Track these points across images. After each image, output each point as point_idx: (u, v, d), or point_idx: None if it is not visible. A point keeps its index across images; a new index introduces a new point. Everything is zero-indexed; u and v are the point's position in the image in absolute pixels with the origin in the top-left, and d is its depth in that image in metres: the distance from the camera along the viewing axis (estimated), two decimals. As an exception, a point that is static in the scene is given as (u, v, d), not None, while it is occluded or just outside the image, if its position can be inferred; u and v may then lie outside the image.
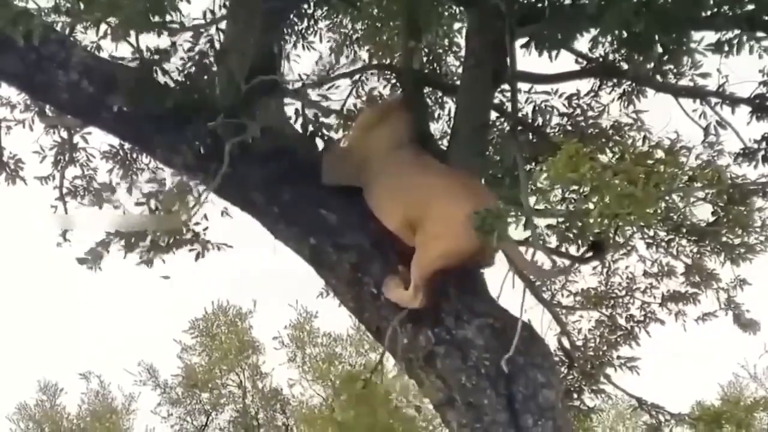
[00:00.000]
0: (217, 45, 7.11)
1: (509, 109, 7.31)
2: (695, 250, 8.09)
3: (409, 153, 6.63)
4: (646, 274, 8.68)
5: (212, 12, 7.34)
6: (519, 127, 7.09)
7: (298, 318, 26.85)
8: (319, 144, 7.26)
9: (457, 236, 6.03)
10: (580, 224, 6.75)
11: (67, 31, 7.09)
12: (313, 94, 7.16)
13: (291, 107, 7.18)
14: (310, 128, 7.15)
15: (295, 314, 26.68)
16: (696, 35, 6.48)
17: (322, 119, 7.19)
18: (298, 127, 7.19)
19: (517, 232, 5.77)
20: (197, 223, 7.36)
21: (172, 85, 6.99)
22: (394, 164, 6.58)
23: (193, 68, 7.04)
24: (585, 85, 7.73)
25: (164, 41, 7.02)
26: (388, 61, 8.33)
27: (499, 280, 6.20)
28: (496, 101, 7.20)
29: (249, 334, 28.68)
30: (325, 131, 7.24)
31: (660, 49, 6.66)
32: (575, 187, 5.11)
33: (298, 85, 7.45)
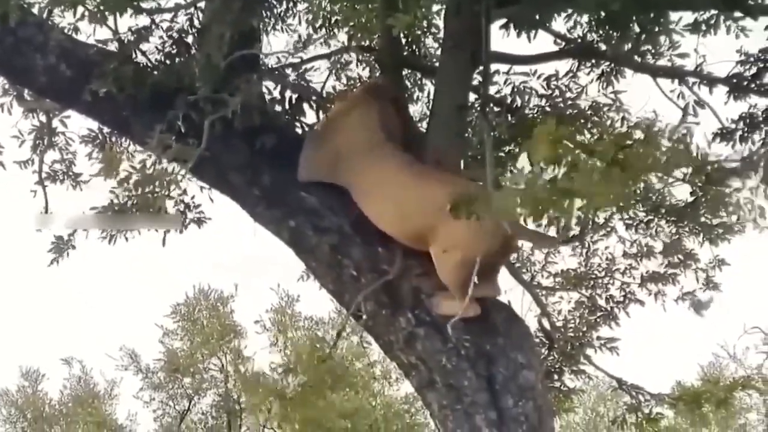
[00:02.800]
0: (197, 23, 7.07)
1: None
2: (674, 230, 8.11)
3: (395, 156, 6.60)
4: (625, 254, 8.69)
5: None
6: (489, 107, 7.08)
7: (280, 302, 26.85)
8: (298, 127, 7.26)
9: (469, 244, 6.03)
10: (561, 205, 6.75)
11: (44, 14, 7.04)
12: (293, 75, 7.12)
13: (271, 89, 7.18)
14: (290, 110, 7.12)
15: (276, 298, 26.67)
16: (674, 15, 6.51)
17: (301, 100, 7.16)
18: (278, 109, 7.17)
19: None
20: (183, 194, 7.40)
21: (150, 66, 6.97)
22: (381, 170, 6.54)
23: (173, 47, 7.02)
24: (563, 66, 7.73)
25: (143, 21, 7.00)
26: (367, 43, 8.31)
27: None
28: (474, 83, 7.18)
29: (231, 319, 28.69)
30: (304, 112, 7.22)
31: (638, 29, 6.69)
32: (554, 168, 5.09)
33: (277, 65, 7.43)
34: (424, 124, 7.47)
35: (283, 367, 24.33)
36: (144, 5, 6.92)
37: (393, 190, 6.44)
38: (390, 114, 6.89)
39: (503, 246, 6.10)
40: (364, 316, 6.61)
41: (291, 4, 8.38)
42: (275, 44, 8.18)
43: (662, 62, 7.31)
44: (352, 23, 7.88)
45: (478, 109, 6.98)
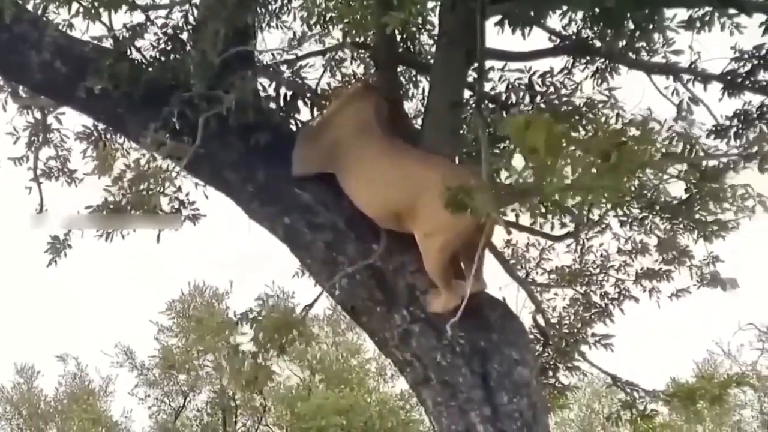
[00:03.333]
0: (191, 20, 7.07)
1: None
2: (668, 227, 8.11)
3: (381, 139, 6.60)
4: (620, 251, 8.69)
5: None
6: (484, 104, 7.09)
7: (275, 298, 26.80)
8: (293, 124, 7.26)
9: (448, 226, 6.04)
10: (553, 200, 6.76)
11: (39, 11, 7.04)
12: (287, 72, 7.12)
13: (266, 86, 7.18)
14: (284, 107, 7.12)
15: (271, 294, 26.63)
16: (668, 12, 6.52)
17: (296, 97, 7.16)
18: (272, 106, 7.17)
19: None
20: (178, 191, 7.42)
21: (145, 62, 6.96)
22: (367, 152, 6.56)
23: (168, 44, 7.01)
24: (558, 62, 7.74)
25: (138, 17, 7.00)
26: (362, 40, 8.30)
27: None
28: (469, 80, 7.18)
29: (226, 315, 28.67)
30: (299, 109, 7.22)
31: (632, 26, 6.69)
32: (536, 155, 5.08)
33: (272, 62, 7.42)
34: (419, 121, 7.47)
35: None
36: (139, 2, 6.92)
37: (376, 171, 6.47)
38: (384, 109, 6.90)
39: (478, 231, 6.07)
40: (337, 292, 6.61)
41: (286, 0, 8.38)
42: (270, 41, 8.18)
43: (657, 59, 7.32)
44: (346, 20, 7.85)
45: (473, 105, 6.99)
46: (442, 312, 6.29)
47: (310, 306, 6.91)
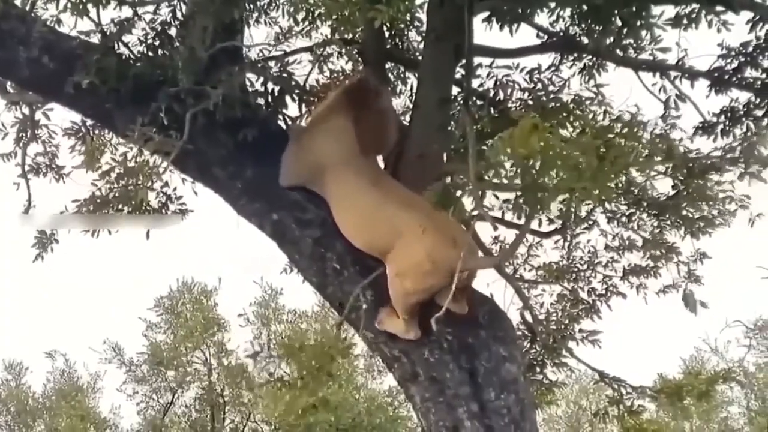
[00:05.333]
0: (179, 15, 7.06)
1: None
2: (656, 223, 8.12)
3: (364, 174, 6.64)
4: (607, 248, 8.72)
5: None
6: (472, 100, 7.10)
7: (263, 295, 26.84)
8: (281, 120, 7.25)
9: (419, 275, 6.17)
10: (537, 198, 6.78)
11: (27, 6, 7.03)
12: (275, 68, 7.12)
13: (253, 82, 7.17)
14: (272, 102, 7.12)
15: (260, 291, 26.66)
16: (655, 9, 6.52)
17: (283, 92, 7.15)
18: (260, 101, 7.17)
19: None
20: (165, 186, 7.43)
21: (133, 58, 6.95)
22: (351, 186, 6.60)
23: (156, 39, 7.00)
24: (546, 59, 7.74)
25: (125, 13, 6.99)
26: (350, 36, 8.31)
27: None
28: (457, 76, 7.19)
29: (214, 312, 28.66)
30: (286, 105, 7.21)
31: (620, 23, 6.70)
32: (529, 162, 5.10)
33: (260, 58, 7.43)
34: (408, 118, 7.47)
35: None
36: (126, -3, 6.92)
37: (359, 207, 6.52)
38: (368, 119, 6.90)
39: (450, 279, 6.10)
40: (365, 306, 6.61)
41: (274, -5, 8.37)
42: (257, 37, 8.18)
43: (644, 56, 7.33)
44: (335, 16, 7.87)
45: (461, 102, 6.99)
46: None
47: (340, 324, 6.95)
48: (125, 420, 31.48)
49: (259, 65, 7.13)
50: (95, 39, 6.92)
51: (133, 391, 29.66)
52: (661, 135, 6.99)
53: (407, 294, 6.25)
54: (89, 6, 6.57)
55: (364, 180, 6.57)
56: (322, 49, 8.06)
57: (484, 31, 6.94)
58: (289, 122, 7.30)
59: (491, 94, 7.61)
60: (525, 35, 7.26)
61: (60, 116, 8.28)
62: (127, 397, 29.85)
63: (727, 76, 7.08)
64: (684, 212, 7.70)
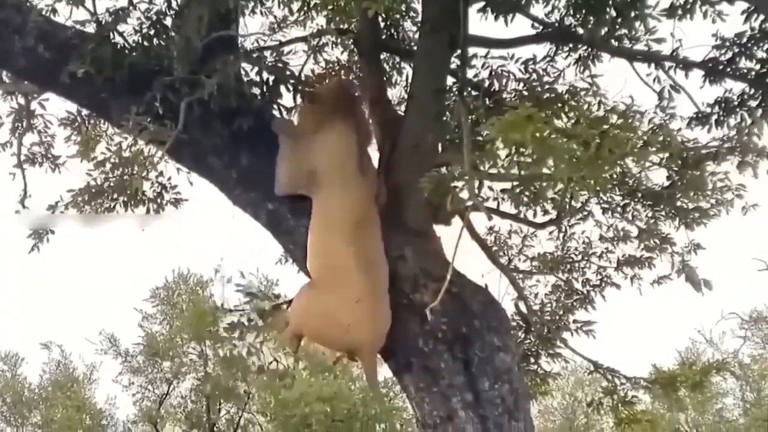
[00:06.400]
0: (174, 4, 7.05)
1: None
2: (650, 214, 8.12)
3: (351, 206, 6.72)
4: (602, 238, 8.71)
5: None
6: (466, 90, 7.10)
7: (259, 286, 26.81)
8: (276, 110, 7.25)
9: (294, 323, 6.67)
10: (534, 188, 6.78)
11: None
12: (270, 58, 7.11)
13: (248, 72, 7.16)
14: (267, 92, 7.11)
15: (255, 282, 26.64)
16: (650, 0, 6.52)
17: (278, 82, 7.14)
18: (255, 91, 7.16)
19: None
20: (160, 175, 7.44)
21: (128, 47, 6.94)
22: (333, 220, 6.68)
23: (151, 29, 6.99)
24: (541, 50, 7.73)
25: (121, 2, 6.98)
26: (345, 26, 8.30)
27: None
28: (452, 66, 7.19)
29: (210, 302, 28.68)
30: (281, 95, 7.21)
31: (614, 14, 6.70)
32: (527, 152, 5.12)
33: (255, 47, 7.42)
34: (403, 108, 7.47)
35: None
36: (122, -15, 6.90)
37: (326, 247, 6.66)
38: (364, 123, 6.97)
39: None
40: None
41: (270, -15, 8.36)
42: (252, 27, 8.17)
43: (639, 47, 7.32)
44: (330, 6, 7.86)
45: (456, 92, 6.99)
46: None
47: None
48: (121, 411, 31.57)
49: (254, 55, 7.12)
50: (90, 28, 6.92)
51: (128, 382, 29.75)
52: (659, 125, 6.97)
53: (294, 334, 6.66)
54: (84, -5, 6.58)
55: (346, 216, 6.64)
56: (317, 39, 8.06)
57: (480, 22, 6.94)
58: (284, 113, 7.29)
59: (486, 85, 7.60)
60: (520, 26, 7.26)
61: (56, 106, 8.29)
62: (123, 388, 29.94)
63: (721, 67, 7.07)
64: (678, 203, 7.70)
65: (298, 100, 7.02)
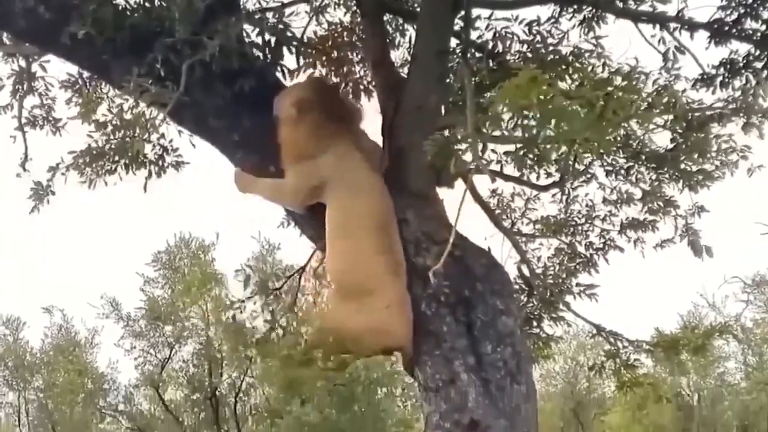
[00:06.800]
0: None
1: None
2: (654, 177, 8.08)
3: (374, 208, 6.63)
4: (605, 201, 8.67)
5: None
6: (470, 52, 7.05)
7: (261, 250, 26.86)
8: (278, 71, 7.22)
9: (353, 335, 6.41)
10: (537, 151, 6.74)
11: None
12: (272, 19, 7.07)
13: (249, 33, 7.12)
14: (269, 53, 7.07)
15: (257, 246, 26.68)
16: (655, -40, 6.47)
17: (280, 44, 7.10)
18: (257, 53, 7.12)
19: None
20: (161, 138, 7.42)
21: (129, 8, 6.89)
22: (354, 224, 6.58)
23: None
24: (545, 11, 7.68)
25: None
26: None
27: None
28: (456, 28, 7.14)
29: (212, 267, 28.74)
30: (283, 56, 7.17)
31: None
32: (529, 113, 5.08)
33: (257, 9, 7.38)
34: (406, 70, 7.42)
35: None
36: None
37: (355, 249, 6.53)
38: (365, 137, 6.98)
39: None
40: None
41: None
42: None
43: (643, 7, 7.28)
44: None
45: (460, 54, 6.95)
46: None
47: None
48: (123, 375, 31.72)
49: (256, 16, 7.08)
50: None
51: (130, 346, 29.86)
52: (664, 87, 6.93)
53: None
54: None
55: (371, 221, 6.54)
56: (319, 0, 8.00)
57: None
58: (286, 75, 7.25)
59: (490, 46, 7.55)
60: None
61: (57, 68, 8.25)
62: (125, 352, 30.05)
63: (726, 28, 7.03)
64: (683, 165, 7.67)
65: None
